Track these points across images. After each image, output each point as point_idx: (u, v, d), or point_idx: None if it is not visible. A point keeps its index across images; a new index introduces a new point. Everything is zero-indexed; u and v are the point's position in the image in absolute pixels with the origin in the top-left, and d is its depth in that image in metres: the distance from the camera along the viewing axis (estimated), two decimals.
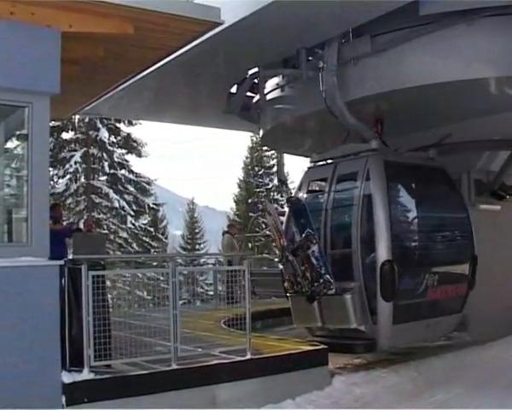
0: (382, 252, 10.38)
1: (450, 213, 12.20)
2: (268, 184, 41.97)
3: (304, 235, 10.33)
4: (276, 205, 34.79)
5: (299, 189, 12.44)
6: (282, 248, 10.38)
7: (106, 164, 31.81)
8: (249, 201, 40.00)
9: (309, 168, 12.68)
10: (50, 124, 8.66)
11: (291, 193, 21.15)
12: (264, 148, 39.56)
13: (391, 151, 11.76)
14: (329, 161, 12.08)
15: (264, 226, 34.19)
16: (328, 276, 10.11)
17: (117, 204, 31.45)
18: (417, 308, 10.89)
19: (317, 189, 11.96)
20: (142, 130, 42.48)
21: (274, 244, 11.23)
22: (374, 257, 10.44)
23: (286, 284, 10.85)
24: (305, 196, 12.09)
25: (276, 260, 10.57)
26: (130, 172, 32.66)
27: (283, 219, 11.70)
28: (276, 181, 40.81)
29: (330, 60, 11.74)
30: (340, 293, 10.30)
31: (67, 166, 30.93)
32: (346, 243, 10.86)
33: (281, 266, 11.24)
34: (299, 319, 11.20)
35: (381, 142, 11.68)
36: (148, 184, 33.44)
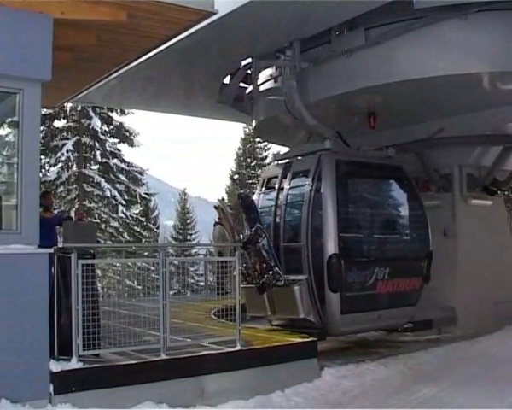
0: (330, 246, 10.66)
1: (404, 209, 12.40)
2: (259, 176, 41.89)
3: (253, 229, 10.55)
4: None
5: (260, 185, 12.68)
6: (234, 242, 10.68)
7: (98, 153, 31.57)
8: (241, 191, 39.88)
9: (268, 166, 12.92)
10: (42, 111, 8.60)
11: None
12: (257, 139, 39.54)
13: (352, 150, 11.97)
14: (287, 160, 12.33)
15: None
16: (277, 268, 10.42)
17: (108, 193, 31.27)
18: (367, 299, 11.10)
19: (274, 185, 12.12)
20: (144, 127, 42.22)
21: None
22: (322, 251, 10.71)
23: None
24: (259, 192, 12.38)
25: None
26: (122, 161, 32.49)
27: None
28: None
29: (291, 63, 11.98)
30: (288, 284, 10.57)
31: (59, 154, 30.72)
32: (296, 237, 11.11)
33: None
34: (252, 308, 11.44)
35: (341, 141, 11.92)
36: (140, 173, 33.26)
